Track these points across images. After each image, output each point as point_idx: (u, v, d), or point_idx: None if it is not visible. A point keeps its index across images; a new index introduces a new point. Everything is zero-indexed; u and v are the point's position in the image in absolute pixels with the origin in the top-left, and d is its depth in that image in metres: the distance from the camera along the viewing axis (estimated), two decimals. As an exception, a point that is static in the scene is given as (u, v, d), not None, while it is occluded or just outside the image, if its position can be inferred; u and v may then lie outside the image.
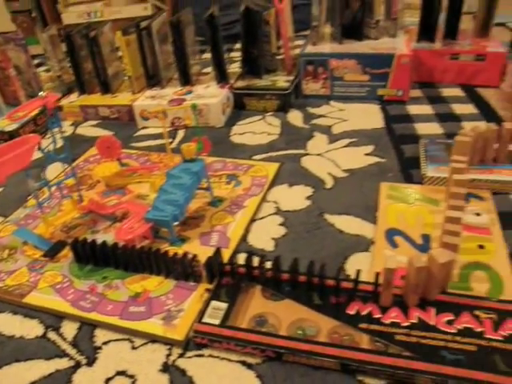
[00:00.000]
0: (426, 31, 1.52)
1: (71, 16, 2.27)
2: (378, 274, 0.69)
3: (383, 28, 1.49)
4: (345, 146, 1.18)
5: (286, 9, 1.42)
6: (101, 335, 0.74)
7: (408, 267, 0.68)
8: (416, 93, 1.44)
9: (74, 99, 1.56)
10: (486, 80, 1.45)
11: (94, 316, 0.76)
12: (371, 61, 1.35)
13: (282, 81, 1.41)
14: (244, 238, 0.91)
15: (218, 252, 0.80)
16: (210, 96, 1.37)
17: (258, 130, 1.31)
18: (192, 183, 0.95)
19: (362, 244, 0.86)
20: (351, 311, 0.70)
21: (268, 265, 0.76)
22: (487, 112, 1.30)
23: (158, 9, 2.61)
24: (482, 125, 0.98)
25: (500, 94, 1.41)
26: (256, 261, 0.76)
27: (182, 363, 0.67)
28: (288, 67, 1.47)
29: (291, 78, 1.42)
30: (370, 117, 1.31)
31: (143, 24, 1.44)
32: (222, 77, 1.44)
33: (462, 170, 0.86)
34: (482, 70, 1.44)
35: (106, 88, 1.54)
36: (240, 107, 1.43)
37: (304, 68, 1.41)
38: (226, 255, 0.84)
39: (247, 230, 0.93)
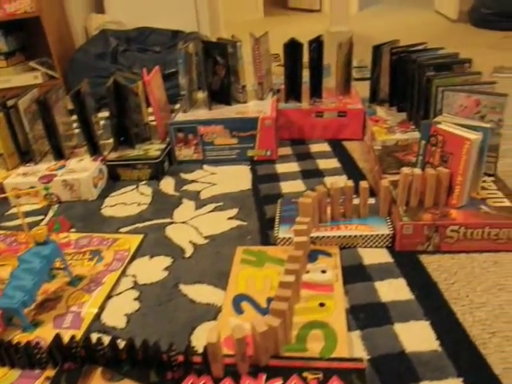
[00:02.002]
0: (293, 92, 1.60)
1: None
2: (205, 347, 0.69)
3: (252, 91, 1.56)
4: (210, 211, 1.20)
5: (153, 80, 1.45)
6: None
7: (231, 336, 0.68)
8: (286, 150, 1.50)
9: None
10: (350, 134, 1.53)
11: None
12: (237, 125, 1.40)
13: (154, 149, 1.43)
14: (98, 317, 0.89)
15: (57, 337, 0.78)
16: (82, 170, 1.36)
17: (129, 200, 1.31)
18: (42, 267, 0.92)
19: (212, 313, 0.87)
20: (185, 386, 0.69)
21: (117, 344, 0.74)
22: (349, 165, 1.37)
23: (50, 77, 2.61)
24: (338, 180, 1.03)
25: (362, 146, 1.49)
26: (99, 341, 0.74)
27: None
28: (161, 135, 1.49)
29: (163, 146, 1.45)
30: (239, 179, 1.35)
31: (10, 102, 1.42)
32: (94, 150, 1.44)
33: (303, 231, 0.90)
34: (345, 126, 1.52)
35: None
36: (114, 178, 1.43)
37: (175, 135, 1.43)
38: (77, 336, 0.82)
39: (102, 308, 0.92)
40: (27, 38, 2.70)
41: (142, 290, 0.95)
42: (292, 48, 1.55)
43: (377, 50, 1.56)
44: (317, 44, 1.58)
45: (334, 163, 1.39)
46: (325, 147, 1.50)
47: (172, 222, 1.18)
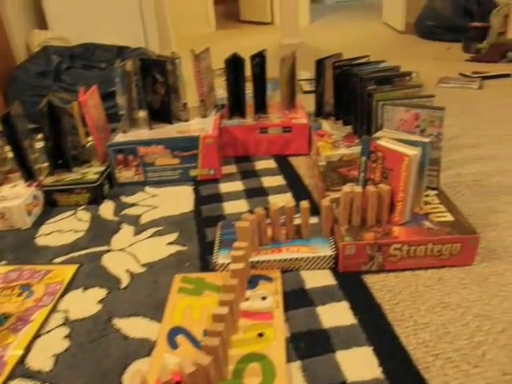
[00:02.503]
0: (237, 108, 1.56)
1: None
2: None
3: (195, 109, 1.51)
4: (150, 237, 1.15)
5: (90, 100, 1.39)
6: None
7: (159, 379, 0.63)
8: (231, 169, 1.46)
9: None
10: (296, 149, 1.51)
11: None
12: (178, 144, 1.35)
13: (92, 172, 1.37)
14: (22, 360, 0.82)
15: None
16: (14, 197, 1.29)
17: (66, 227, 1.24)
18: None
19: (146, 348, 0.82)
20: None
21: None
22: (295, 182, 1.34)
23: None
24: (280, 201, 1.00)
25: (308, 162, 1.47)
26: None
27: None
28: (100, 157, 1.43)
29: (102, 168, 1.38)
30: (181, 200, 1.30)
31: None
32: (29, 174, 1.37)
33: (240, 257, 0.86)
34: (291, 141, 1.50)
35: None
36: (51, 204, 1.35)
37: (114, 157, 1.38)
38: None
39: (28, 349, 0.85)
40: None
41: (73, 327, 0.89)
42: (234, 63, 1.51)
43: (320, 63, 1.55)
44: (260, 59, 1.55)
45: (279, 180, 1.36)
46: (270, 164, 1.47)
47: (109, 250, 1.12)
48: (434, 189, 1.12)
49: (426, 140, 0.97)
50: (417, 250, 0.94)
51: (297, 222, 1.02)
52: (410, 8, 3.82)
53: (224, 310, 0.73)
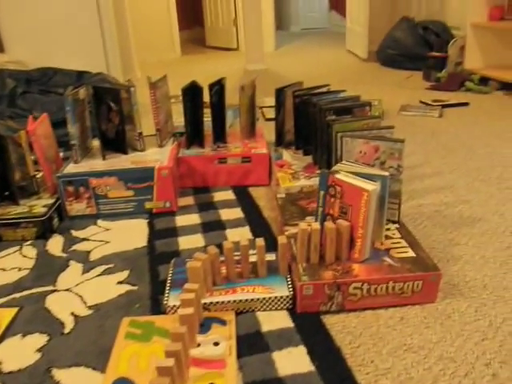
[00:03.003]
0: (195, 137, 1.52)
1: None
2: None
3: (151, 138, 1.46)
4: (99, 275, 1.08)
5: (39, 128, 1.32)
6: None
7: None
8: (188, 200, 1.41)
9: None
10: (256, 180, 1.47)
11: None
12: (132, 176, 1.29)
13: (40, 205, 1.29)
14: None
15: None
16: (-46, 232, 1.20)
17: (9, 265, 1.16)
18: None
19: (86, 404, 0.74)
20: None
21: None
22: (253, 215, 1.30)
23: None
24: (235, 236, 0.95)
25: (268, 193, 1.43)
26: None
27: None
28: (50, 189, 1.36)
29: (52, 200, 1.31)
30: (134, 235, 1.24)
31: None
32: (-29, 207, 1.28)
33: (190, 301, 0.80)
34: (250, 171, 1.46)
35: None
36: (-5, 239, 1.27)
37: (64, 189, 1.31)
38: None
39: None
40: None
41: (6, 381, 0.81)
42: (192, 92, 1.47)
43: (280, 92, 1.52)
44: (218, 87, 1.52)
45: (237, 213, 1.31)
46: (229, 195, 1.42)
47: (54, 290, 1.04)
48: (394, 222, 1.09)
49: (386, 174, 0.94)
50: (378, 288, 0.91)
51: (253, 259, 0.97)
52: (372, 37, 3.88)
53: (170, 362, 0.68)
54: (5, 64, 2.67)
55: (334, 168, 1.00)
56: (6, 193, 1.36)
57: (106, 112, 1.41)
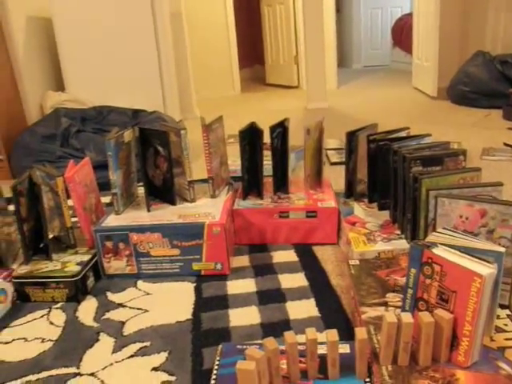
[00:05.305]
0: (253, 186, 1.33)
1: None
2: None
3: (205, 187, 1.29)
4: (131, 356, 0.89)
5: (78, 175, 1.18)
6: None
7: None
8: (243, 260, 1.21)
9: None
10: (322, 238, 1.26)
11: None
12: (178, 232, 1.12)
13: (75, 262, 1.13)
14: None
15: None
16: (-23, 292, 1.05)
17: (32, 334, 1.00)
18: None
19: None
20: None
21: None
22: (319, 283, 1.08)
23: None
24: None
25: (336, 253, 1.21)
26: None
27: None
28: (89, 242, 1.20)
29: (88, 257, 1.15)
30: (178, 303, 1.05)
31: None
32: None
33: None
34: (316, 228, 1.25)
35: None
36: (24, 299, 1.12)
37: (102, 244, 1.14)
38: None
39: None
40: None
41: None
42: (251, 135, 1.30)
43: (352, 136, 1.32)
44: (281, 129, 1.33)
45: (300, 280, 1.10)
46: (290, 256, 1.22)
47: (77, 374, 0.86)
48: (506, 307, 0.85)
49: (501, 250, 0.71)
50: (492, 407, 0.66)
51: (321, 349, 0.75)
52: (441, 73, 3.63)
53: None
54: (63, 103, 2.62)
55: (430, 238, 0.77)
56: (41, 245, 1.21)
57: (153, 157, 1.25)
